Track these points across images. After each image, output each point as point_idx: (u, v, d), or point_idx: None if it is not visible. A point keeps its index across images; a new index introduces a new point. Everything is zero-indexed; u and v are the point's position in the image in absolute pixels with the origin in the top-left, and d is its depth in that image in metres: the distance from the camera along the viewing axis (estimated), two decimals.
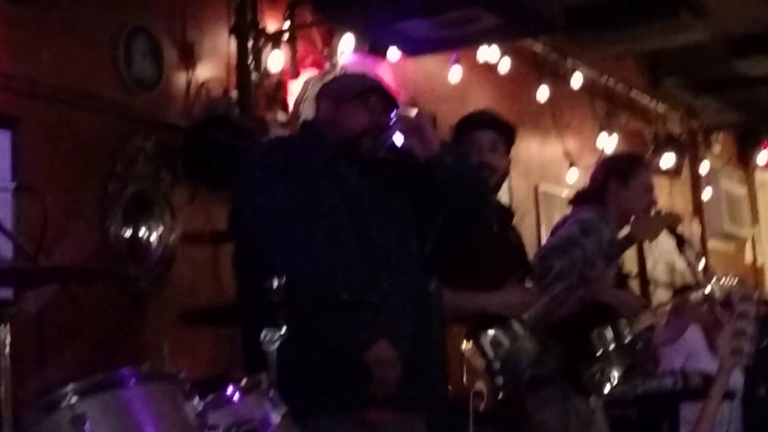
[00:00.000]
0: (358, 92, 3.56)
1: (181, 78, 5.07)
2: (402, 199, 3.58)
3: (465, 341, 4.03)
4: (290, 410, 2.82)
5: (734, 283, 5.17)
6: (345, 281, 3.33)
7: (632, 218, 4.57)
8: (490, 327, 4.10)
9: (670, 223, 4.71)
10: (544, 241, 4.96)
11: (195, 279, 5.01)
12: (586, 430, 4.49)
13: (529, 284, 4.28)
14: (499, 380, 4.07)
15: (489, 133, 4.27)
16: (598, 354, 4.55)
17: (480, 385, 3.96)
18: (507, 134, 4.34)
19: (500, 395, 4.06)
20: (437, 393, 3.53)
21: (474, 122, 4.34)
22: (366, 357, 3.30)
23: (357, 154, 3.52)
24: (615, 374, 4.61)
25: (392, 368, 3.34)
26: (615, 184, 4.80)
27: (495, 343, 4.11)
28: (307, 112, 5.58)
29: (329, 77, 5.58)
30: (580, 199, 4.91)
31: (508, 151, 4.34)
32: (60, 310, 4.13)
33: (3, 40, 4.29)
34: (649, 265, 8.65)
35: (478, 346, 4.08)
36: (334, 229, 3.41)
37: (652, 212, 4.68)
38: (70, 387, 2.50)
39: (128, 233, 4.74)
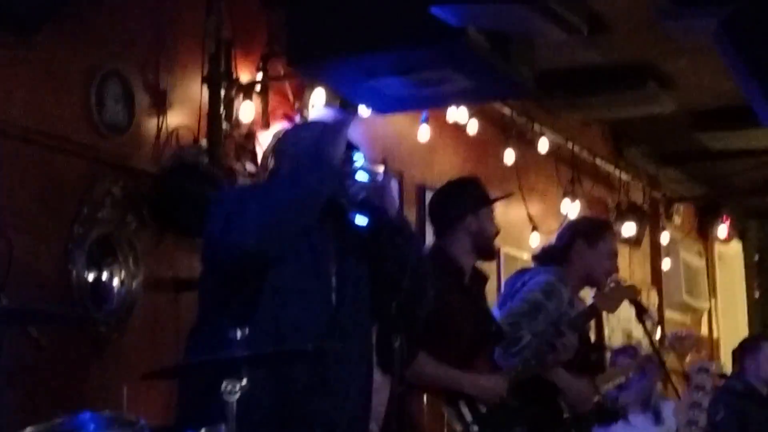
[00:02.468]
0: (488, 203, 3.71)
1: (152, 124, 5.08)
2: (363, 257, 3.60)
3: (444, 405, 4.08)
4: None
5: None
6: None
7: (595, 291, 4.66)
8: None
9: (632, 295, 4.78)
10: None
11: (156, 325, 4.99)
12: None
13: (498, 352, 4.36)
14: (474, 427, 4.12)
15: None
16: (565, 416, 4.59)
17: None
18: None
19: None
20: None
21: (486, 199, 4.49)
22: None
23: (332, 214, 3.55)
24: None
25: None
26: (581, 245, 4.87)
27: (473, 407, 4.16)
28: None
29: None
30: (544, 256, 4.97)
31: None
32: (19, 350, 4.10)
33: None
34: (607, 332, 8.70)
35: (456, 410, 4.13)
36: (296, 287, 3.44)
37: (614, 284, 4.76)
38: (29, 430, 2.49)
39: (91, 276, 4.72)
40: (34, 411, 3.26)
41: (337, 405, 3.43)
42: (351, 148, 3.64)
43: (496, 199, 4.58)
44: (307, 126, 4.32)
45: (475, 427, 4.12)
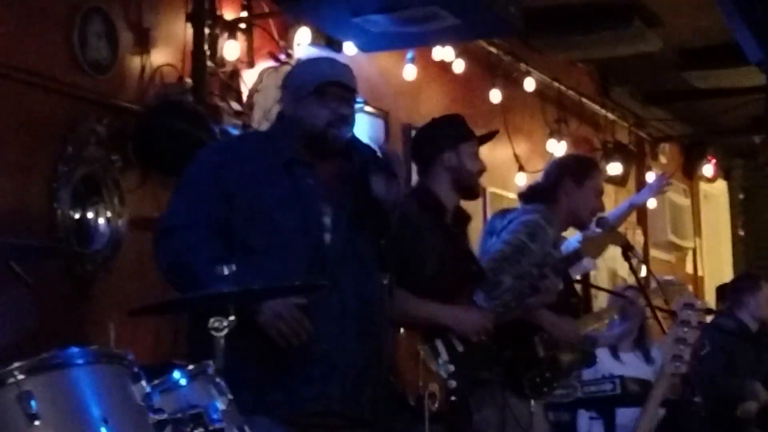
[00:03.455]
0: (312, 89, 3.57)
1: (135, 62, 5.04)
2: (353, 198, 3.59)
3: (420, 343, 4.08)
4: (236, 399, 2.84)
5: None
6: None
7: (582, 237, 4.63)
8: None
9: (618, 242, 4.77)
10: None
11: (141, 264, 4.97)
12: None
13: (479, 295, 4.34)
14: (452, 383, 4.10)
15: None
16: (540, 357, 4.60)
17: (434, 387, 4.00)
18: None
19: (453, 398, 4.10)
20: (383, 398, 3.54)
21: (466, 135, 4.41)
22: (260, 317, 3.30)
23: (324, 148, 3.54)
24: (556, 377, 4.66)
25: (291, 320, 3.33)
26: (569, 183, 4.85)
27: (449, 346, 4.16)
28: (261, 102, 5.58)
29: (285, 69, 5.60)
30: (531, 194, 4.95)
31: None
32: (4, 287, 4.10)
33: None
34: (592, 271, 8.73)
35: (433, 349, 4.12)
36: (276, 231, 3.44)
37: (601, 230, 4.72)
38: (16, 364, 2.49)
39: (77, 215, 4.71)
40: (20, 347, 3.26)
41: (333, 346, 3.44)
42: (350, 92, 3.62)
43: (478, 136, 4.51)
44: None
45: (451, 366, 4.09)
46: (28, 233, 4.40)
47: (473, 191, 4.48)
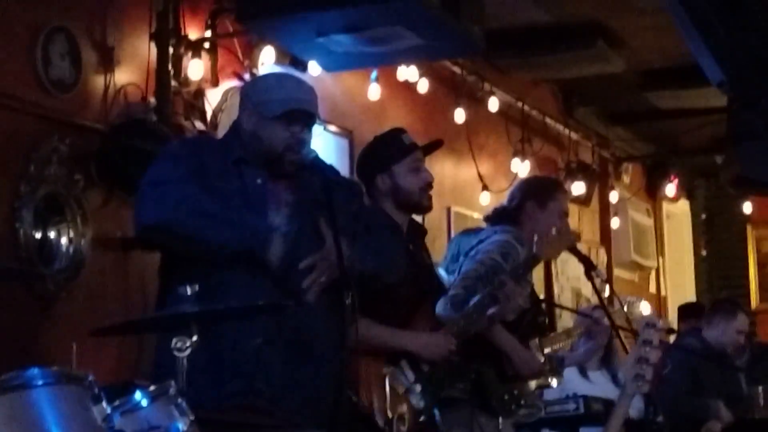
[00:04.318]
0: (279, 113, 3.56)
1: (99, 81, 5.02)
2: (315, 208, 3.57)
3: (385, 365, 4.06)
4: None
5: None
6: None
7: (535, 238, 4.61)
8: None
9: (572, 241, 4.78)
10: None
11: (103, 284, 4.96)
12: None
13: (445, 309, 4.32)
14: (420, 403, 4.09)
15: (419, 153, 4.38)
16: (509, 374, 4.60)
17: (402, 409, 3.99)
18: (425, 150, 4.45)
19: (421, 417, 4.09)
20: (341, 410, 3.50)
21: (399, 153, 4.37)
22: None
23: (280, 170, 3.54)
24: (524, 395, 4.67)
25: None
26: (532, 205, 4.85)
27: (414, 366, 4.14)
28: (226, 122, 5.57)
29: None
30: (495, 217, 4.96)
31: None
32: None
33: None
34: (556, 290, 8.77)
35: (399, 370, 4.11)
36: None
37: (553, 231, 4.72)
38: None
39: (38, 235, 4.68)
40: None
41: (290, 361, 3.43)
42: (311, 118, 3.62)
43: (421, 147, 4.43)
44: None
45: (418, 386, 4.09)
46: None
47: (420, 206, 4.42)
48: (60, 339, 4.59)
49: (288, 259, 3.44)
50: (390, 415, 3.91)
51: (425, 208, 4.46)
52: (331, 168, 3.66)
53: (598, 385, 6.42)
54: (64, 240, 4.79)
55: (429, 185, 4.39)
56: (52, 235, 4.75)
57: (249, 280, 3.44)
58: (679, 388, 6.95)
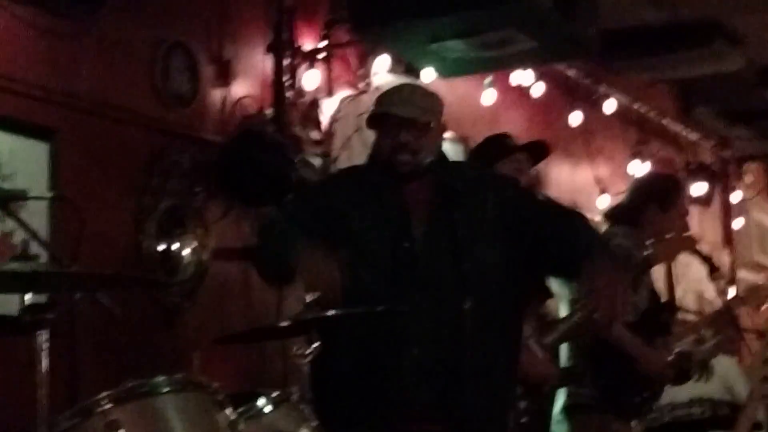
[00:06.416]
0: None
1: (216, 94, 5.11)
2: (449, 217, 3.56)
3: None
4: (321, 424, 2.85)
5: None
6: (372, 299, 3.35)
7: (650, 241, 4.53)
8: None
9: (688, 246, 4.69)
10: None
11: (225, 293, 5.03)
12: None
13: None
14: (522, 403, 4.07)
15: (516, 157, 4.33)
16: (638, 377, 4.53)
17: None
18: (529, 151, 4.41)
19: (523, 419, 4.07)
20: (468, 409, 3.47)
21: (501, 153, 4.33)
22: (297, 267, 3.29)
23: (397, 174, 3.55)
24: (656, 396, 4.60)
25: (325, 278, 3.26)
26: (654, 208, 4.76)
27: None
28: (341, 131, 5.62)
29: (363, 97, 5.64)
30: (615, 215, 4.89)
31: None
32: (93, 319, 4.17)
33: (44, 53, 4.34)
34: (679, 293, 8.61)
35: None
36: (363, 251, 3.44)
37: (671, 235, 4.64)
38: (104, 394, 2.53)
39: (161, 247, 4.77)
40: (106, 378, 3.30)
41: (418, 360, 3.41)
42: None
43: (526, 147, 4.38)
44: None
45: (520, 387, 4.07)
46: (114, 266, 4.46)
47: None
48: (184, 348, 4.67)
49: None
50: None
51: None
52: (458, 168, 3.67)
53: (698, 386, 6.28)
54: (186, 252, 4.87)
55: (533, 186, 4.40)
56: (174, 247, 4.83)
57: (392, 280, 3.44)
58: None
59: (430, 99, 3.66)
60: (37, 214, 4.01)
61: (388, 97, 3.66)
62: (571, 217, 3.63)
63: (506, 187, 3.68)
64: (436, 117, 3.62)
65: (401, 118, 3.56)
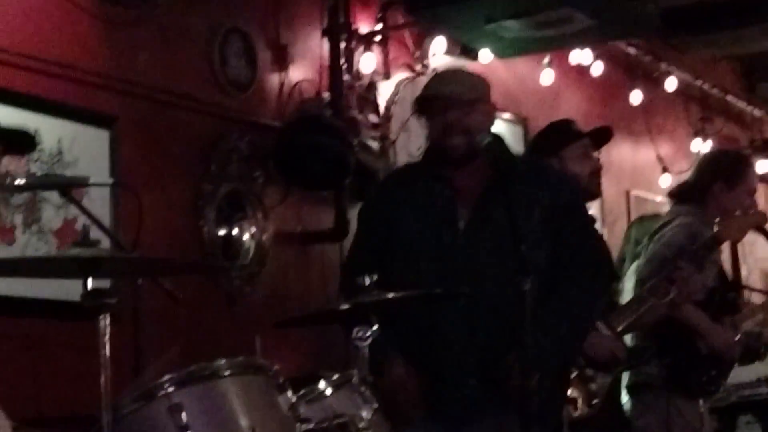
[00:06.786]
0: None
1: (274, 79, 5.12)
2: (497, 202, 3.54)
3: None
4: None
5: None
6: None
7: (717, 219, 4.46)
8: None
9: (758, 221, 4.60)
10: None
11: (285, 277, 5.06)
12: None
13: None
14: (593, 386, 4.05)
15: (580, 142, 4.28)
16: (704, 355, 4.48)
17: (571, 392, 3.94)
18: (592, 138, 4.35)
19: (595, 400, 4.05)
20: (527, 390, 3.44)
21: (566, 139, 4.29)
22: (381, 382, 3.31)
23: (449, 158, 3.53)
24: (723, 374, 4.55)
25: (407, 394, 3.34)
26: (720, 185, 4.67)
27: None
28: (398, 113, 5.61)
29: (420, 79, 5.62)
30: (679, 194, 4.82)
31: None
32: (155, 304, 4.20)
33: (102, 40, 4.38)
34: (744, 272, 8.51)
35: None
36: (414, 243, 3.45)
37: (738, 212, 4.56)
38: (167, 377, 2.54)
39: (222, 232, 4.80)
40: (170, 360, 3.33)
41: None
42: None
43: (590, 134, 4.34)
44: None
45: (590, 370, 4.04)
46: (175, 251, 4.50)
47: (589, 192, 4.35)
48: (245, 332, 4.69)
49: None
50: None
51: (594, 194, 4.39)
52: (513, 160, 3.63)
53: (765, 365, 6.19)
54: (246, 236, 4.90)
55: (598, 171, 4.32)
56: (234, 231, 4.86)
57: (439, 267, 3.44)
58: None
59: (473, 78, 3.64)
60: (99, 201, 4.06)
61: (431, 81, 3.66)
62: (586, 268, 3.61)
63: (563, 192, 3.63)
64: (481, 95, 3.58)
65: (445, 96, 3.54)
